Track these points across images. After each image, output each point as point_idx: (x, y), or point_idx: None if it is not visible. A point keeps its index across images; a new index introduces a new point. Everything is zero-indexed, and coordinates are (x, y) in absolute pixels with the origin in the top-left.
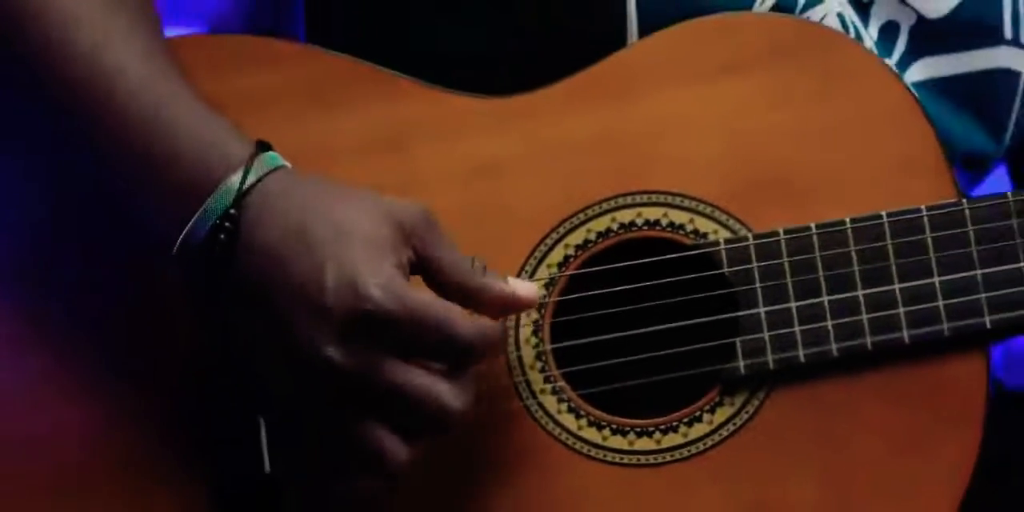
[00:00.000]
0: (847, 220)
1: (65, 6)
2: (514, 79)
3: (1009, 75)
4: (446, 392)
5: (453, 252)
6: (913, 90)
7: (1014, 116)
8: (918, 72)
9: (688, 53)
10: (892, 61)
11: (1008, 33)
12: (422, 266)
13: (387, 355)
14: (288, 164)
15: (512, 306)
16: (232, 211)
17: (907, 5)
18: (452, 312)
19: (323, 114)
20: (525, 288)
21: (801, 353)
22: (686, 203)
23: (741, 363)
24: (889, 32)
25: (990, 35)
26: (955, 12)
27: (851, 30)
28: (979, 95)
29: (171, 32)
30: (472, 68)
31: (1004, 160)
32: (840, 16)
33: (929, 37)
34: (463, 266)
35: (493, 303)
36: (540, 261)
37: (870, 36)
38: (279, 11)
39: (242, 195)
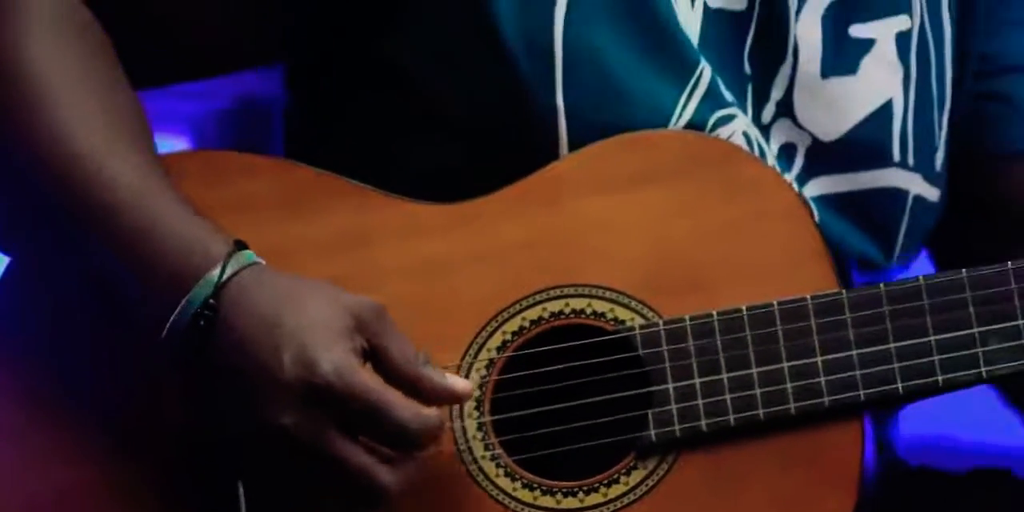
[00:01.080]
0: (743, 308)
1: (72, 116)
2: (462, 188)
3: (897, 194)
4: (381, 472)
5: (402, 343)
6: (804, 196)
7: (902, 232)
8: (814, 189)
9: (610, 165)
10: (791, 177)
11: (896, 156)
12: (373, 354)
13: (334, 427)
14: (262, 261)
15: (448, 398)
16: (211, 301)
17: (803, 128)
18: (391, 394)
19: (294, 218)
20: (461, 384)
21: (704, 423)
22: (607, 294)
23: (652, 432)
24: (787, 152)
25: (879, 157)
26: (847, 136)
27: (756, 147)
28: (869, 212)
29: (158, 137)
30: (425, 180)
31: (925, 247)
32: (746, 134)
33: (823, 158)
34: (409, 357)
35: (432, 393)
36: (481, 345)
37: (772, 153)
38: (256, 123)
39: (220, 287)
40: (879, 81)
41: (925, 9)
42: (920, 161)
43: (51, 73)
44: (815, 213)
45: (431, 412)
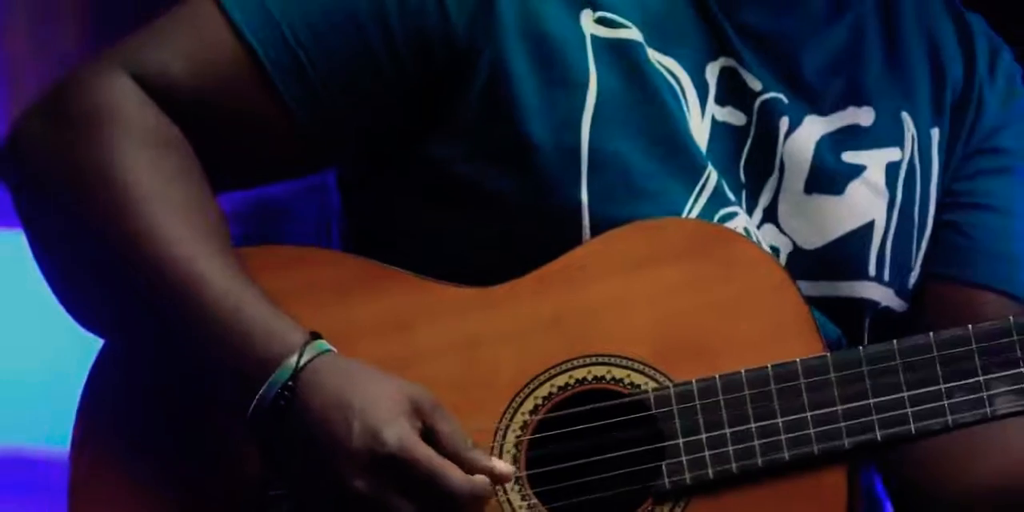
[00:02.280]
0: (742, 371)
1: (166, 220)
2: (498, 272)
3: (867, 305)
4: None
5: (452, 425)
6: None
7: (866, 332)
8: None
9: (623, 248)
10: None
11: (872, 271)
12: (428, 435)
13: (396, 491)
14: (334, 349)
15: (491, 477)
16: (290, 383)
17: (785, 234)
18: (447, 464)
19: (346, 304)
20: (502, 466)
21: (710, 471)
22: (624, 362)
23: (666, 480)
24: (772, 253)
25: (856, 270)
26: (827, 248)
27: (754, 241)
28: (839, 314)
29: None
30: (464, 266)
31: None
32: (746, 230)
33: (803, 263)
34: (459, 439)
35: (476, 471)
36: (516, 409)
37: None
38: (268, 221)
39: (298, 372)
40: (864, 203)
41: (916, 145)
42: (895, 278)
43: (146, 181)
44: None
45: (481, 479)
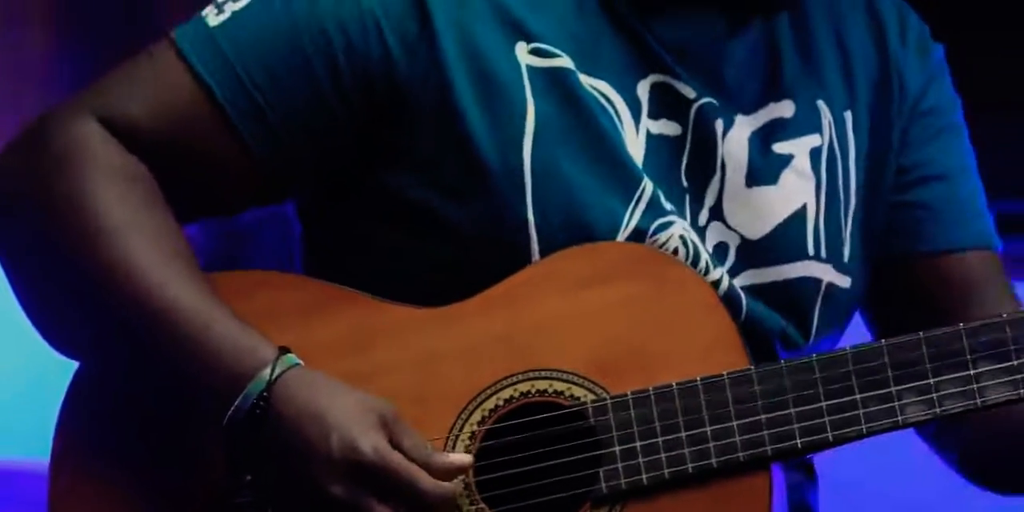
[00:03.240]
0: (674, 384)
1: (138, 247)
2: (452, 292)
3: (812, 282)
4: None
5: (413, 436)
6: (720, 292)
7: (816, 314)
8: (744, 280)
9: (566, 270)
10: (724, 270)
11: (811, 250)
12: (392, 444)
13: (373, 496)
14: (301, 362)
15: (454, 472)
16: (265, 394)
17: (732, 230)
18: (418, 470)
19: (308, 324)
20: (460, 457)
21: (644, 477)
22: (565, 376)
23: (603, 485)
24: (721, 250)
25: (797, 251)
26: (769, 235)
27: (691, 247)
28: (789, 298)
29: None
30: (419, 287)
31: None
32: (682, 237)
33: (751, 253)
34: (419, 446)
35: (441, 472)
36: (465, 420)
37: (707, 251)
38: (238, 262)
39: (271, 384)
40: (796, 189)
41: (833, 129)
42: (831, 254)
43: (117, 213)
44: (743, 301)
45: (447, 484)
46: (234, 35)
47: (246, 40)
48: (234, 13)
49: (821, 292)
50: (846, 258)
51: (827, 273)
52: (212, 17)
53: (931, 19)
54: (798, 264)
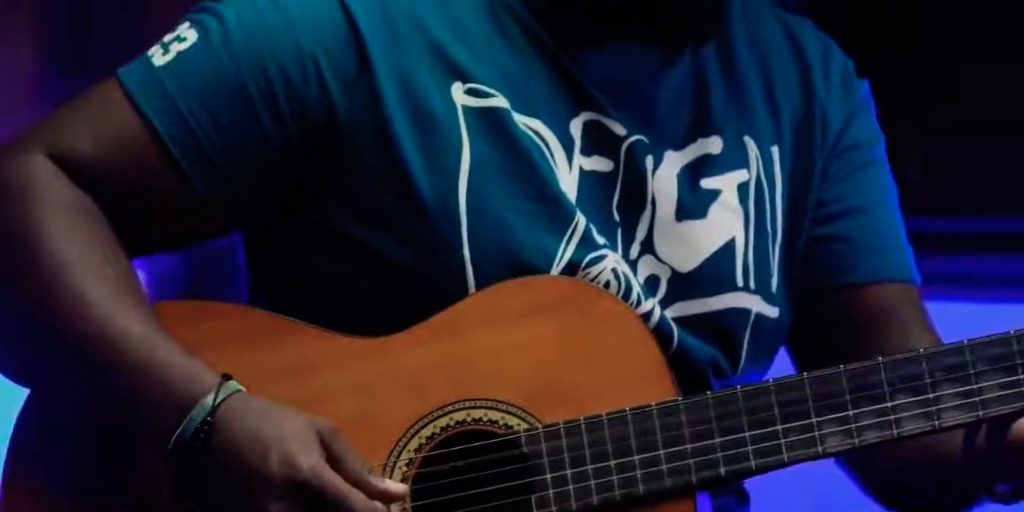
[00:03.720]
0: (604, 414)
1: (87, 279)
2: (391, 324)
3: (741, 313)
4: None
5: (352, 455)
6: (651, 324)
7: (746, 344)
8: (674, 311)
9: (501, 303)
10: (655, 302)
11: (740, 282)
12: (331, 463)
13: None
14: (243, 389)
15: (387, 499)
16: (209, 418)
17: (663, 262)
18: (353, 490)
19: (251, 353)
20: (396, 486)
21: (574, 503)
22: (500, 406)
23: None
24: (652, 281)
25: (726, 283)
26: (699, 267)
27: (623, 280)
28: (720, 329)
29: None
30: (361, 319)
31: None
32: (614, 270)
33: (682, 285)
34: (358, 466)
35: (375, 495)
36: (403, 447)
37: (639, 283)
38: (215, 276)
39: (214, 410)
40: (724, 223)
41: (760, 164)
42: (759, 285)
43: (66, 247)
44: (675, 332)
45: (380, 505)
46: (178, 75)
47: (190, 80)
48: (179, 53)
49: (750, 322)
50: (774, 289)
51: (756, 304)
52: (158, 57)
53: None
54: (728, 295)
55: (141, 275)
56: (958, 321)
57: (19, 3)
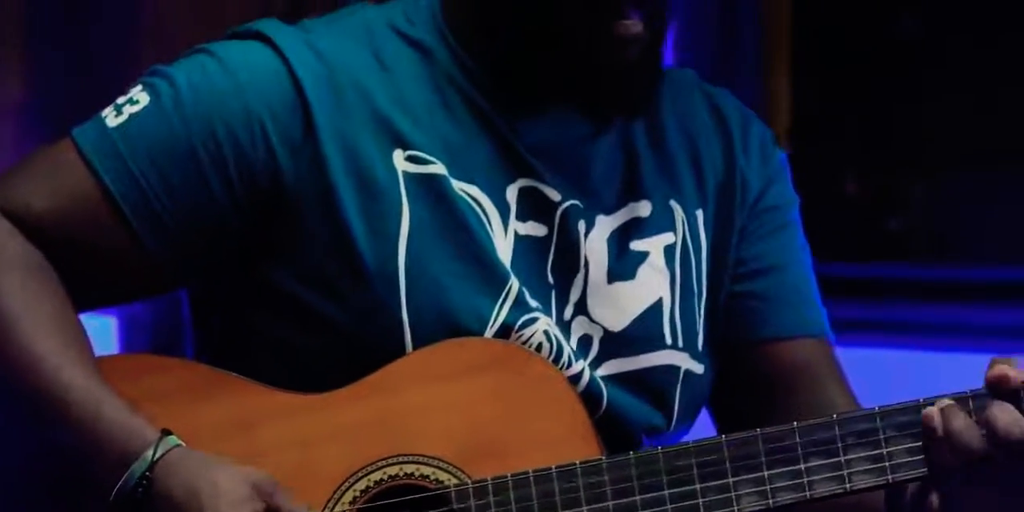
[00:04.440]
0: (530, 471)
1: (37, 334)
2: (331, 381)
3: (671, 369)
4: None
5: (290, 504)
6: (581, 384)
7: (678, 400)
8: (606, 369)
9: (435, 363)
10: (588, 360)
11: (668, 340)
12: None
13: None
14: (183, 444)
15: None
16: (148, 473)
17: (595, 323)
18: None
19: (193, 407)
20: None
21: None
22: (431, 461)
23: None
24: (585, 341)
25: (655, 341)
26: (629, 327)
27: (554, 342)
28: (651, 386)
29: (92, 317)
30: (301, 376)
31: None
32: (546, 332)
33: (613, 344)
34: None
35: None
36: (338, 500)
37: (570, 346)
38: (183, 324)
39: (153, 464)
40: (651, 284)
41: (686, 226)
42: (687, 343)
43: (17, 302)
44: (604, 392)
45: None
46: (130, 137)
47: (141, 142)
48: (131, 115)
49: (680, 379)
50: (700, 347)
51: (685, 361)
52: (111, 118)
53: None
54: (657, 353)
55: (113, 321)
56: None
57: (7, 40)
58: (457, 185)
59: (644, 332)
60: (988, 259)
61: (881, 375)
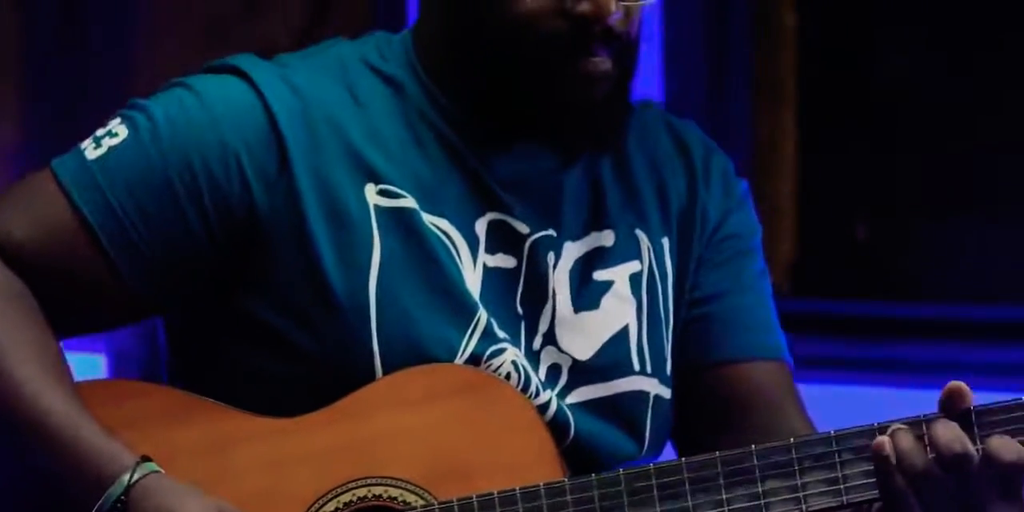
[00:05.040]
0: (495, 493)
1: (16, 360)
2: (303, 406)
3: (641, 395)
4: None
5: None
6: (549, 414)
7: (648, 425)
8: (576, 397)
9: (403, 388)
10: (557, 389)
11: (636, 366)
12: None
13: None
14: (160, 469)
15: None
16: (123, 497)
17: (564, 352)
18: None
19: (168, 431)
20: None
21: None
22: (399, 483)
23: None
24: (554, 370)
25: (623, 368)
26: (596, 354)
27: (522, 372)
28: (621, 412)
29: (82, 356)
30: (273, 401)
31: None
32: (514, 362)
33: (582, 373)
34: None
35: None
36: None
37: (539, 375)
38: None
39: (129, 488)
40: (616, 312)
41: (652, 255)
42: (655, 369)
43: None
44: (572, 421)
45: None
46: (108, 169)
47: (119, 175)
48: (110, 148)
49: (650, 404)
50: (668, 372)
51: (654, 387)
52: (90, 150)
53: None
54: (626, 379)
55: (103, 359)
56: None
57: (6, 77)
58: (427, 218)
59: (612, 359)
60: (986, 297)
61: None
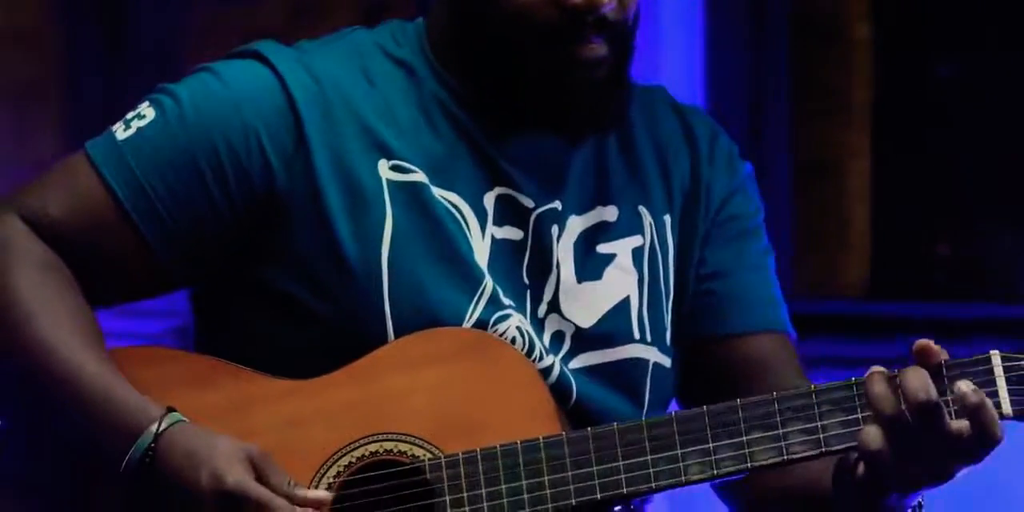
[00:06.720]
0: (498, 446)
1: (51, 324)
2: (319, 368)
3: (640, 362)
4: None
5: (279, 473)
6: (552, 377)
7: (647, 391)
8: (579, 362)
9: (411, 350)
10: (560, 355)
11: (636, 335)
12: (260, 478)
13: None
14: (185, 419)
15: (313, 504)
16: (152, 445)
17: (567, 319)
18: (276, 498)
19: (195, 392)
20: (318, 493)
21: None
22: (407, 439)
23: None
24: (558, 337)
25: (624, 336)
26: (598, 323)
27: (526, 337)
28: (621, 378)
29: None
30: (291, 363)
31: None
32: (519, 328)
33: (584, 339)
34: (283, 481)
35: (301, 502)
36: (323, 475)
37: (543, 341)
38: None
39: (157, 437)
40: (618, 283)
41: (654, 231)
42: (655, 338)
43: (35, 297)
44: (574, 384)
45: (303, 510)
46: (137, 149)
47: (147, 154)
48: (138, 129)
49: (649, 371)
50: (668, 342)
51: (653, 355)
52: (120, 132)
53: None
54: (626, 347)
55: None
56: None
57: (47, 91)
58: (437, 192)
59: (613, 328)
60: None
61: None
